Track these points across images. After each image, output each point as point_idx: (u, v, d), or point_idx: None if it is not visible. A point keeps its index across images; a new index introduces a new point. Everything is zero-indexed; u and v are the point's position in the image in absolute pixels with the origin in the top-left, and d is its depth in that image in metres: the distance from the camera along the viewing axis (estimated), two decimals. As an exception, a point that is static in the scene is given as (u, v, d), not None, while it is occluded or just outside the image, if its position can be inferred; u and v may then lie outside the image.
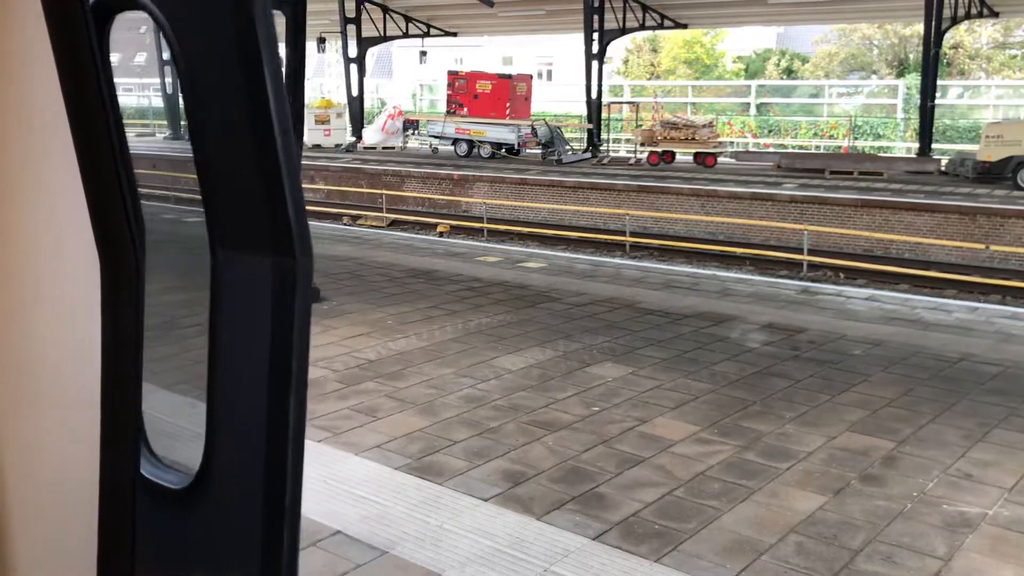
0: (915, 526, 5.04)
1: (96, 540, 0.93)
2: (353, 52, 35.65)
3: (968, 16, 28.67)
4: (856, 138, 38.19)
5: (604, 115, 33.33)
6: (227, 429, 1.05)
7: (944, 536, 4.93)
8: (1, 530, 0.85)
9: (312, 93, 45.00)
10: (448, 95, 32.92)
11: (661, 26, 34.64)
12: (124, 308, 0.91)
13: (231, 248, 1.02)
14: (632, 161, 29.70)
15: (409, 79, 54.60)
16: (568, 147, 31.51)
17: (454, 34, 40.47)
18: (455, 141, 31.91)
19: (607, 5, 30.81)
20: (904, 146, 37.40)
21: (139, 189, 1.02)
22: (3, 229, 0.82)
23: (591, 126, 32.25)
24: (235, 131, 0.99)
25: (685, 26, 36.25)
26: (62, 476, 0.90)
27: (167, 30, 0.97)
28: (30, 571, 0.88)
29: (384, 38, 37.56)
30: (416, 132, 36.14)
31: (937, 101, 28.79)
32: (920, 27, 31.37)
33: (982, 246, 17.73)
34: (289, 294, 1.01)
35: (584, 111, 33.30)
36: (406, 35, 38.40)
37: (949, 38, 35.76)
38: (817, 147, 38.38)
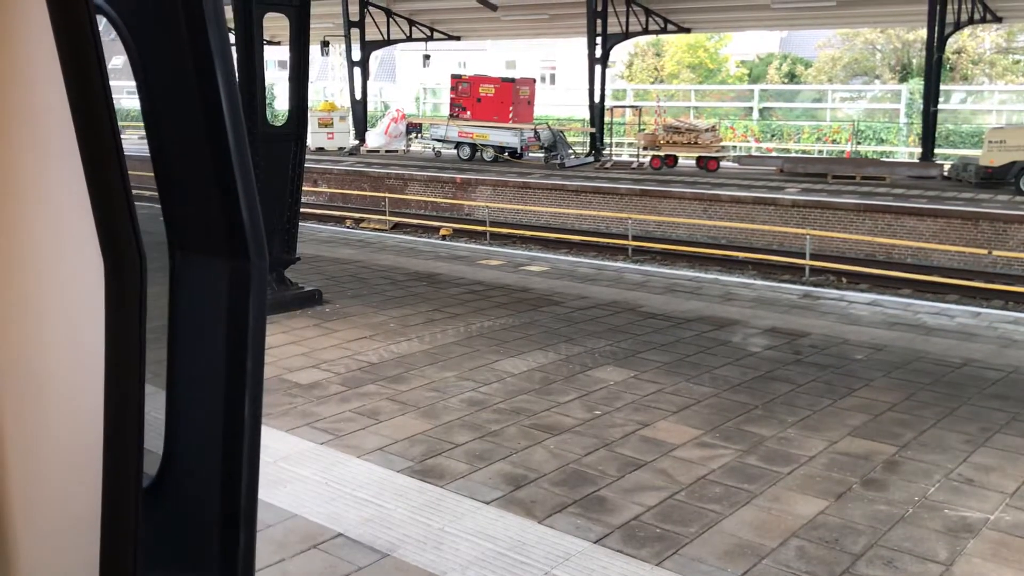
0: (917, 531, 5.04)
1: (99, 543, 0.93)
2: (357, 55, 35.69)
3: (971, 21, 28.68)
4: (859, 143, 38.18)
5: (607, 119, 33.35)
6: (185, 430, 1.06)
7: (946, 541, 4.93)
8: (3, 533, 0.86)
9: (315, 96, 45.05)
10: (451, 99, 32.95)
11: (664, 30, 34.68)
12: (128, 311, 0.92)
13: (188, 250, 1.04)
14: (635, 165, 29.70)
15: (412, 82, 54.68)
16: (571, 151, 31.52)
17: (457, 38, 40.51)
18: (458, 144, 31.93)
19: (610, 9, 30.87)
20: (907, 151, 37.40)
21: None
22: (6, 231, 0.83)
23: (594, 130, 32.28)
24: (188, 135, 1.01)
25: (688, 30, 36.30)
26: (66, 479, 0.90)
27: (122, 32, 0.98)
28: (32, 574, 0.88)
29: (388, 42, 37.61)
30: (419, 135, 36.16)
31: (940, 106, 28.81)
32: (923, 32, 31.37)
33: (985, 251, 17.72)
34: (244, 296, 1.02)
35: (587, 115, 33.32)
36: (410, 39, 38.46)
37: (952, 43, 35.76)
38: (820, 152, 38.36)
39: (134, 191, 0.93)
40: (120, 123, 0.91)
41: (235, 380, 1.03)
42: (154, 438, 1.02)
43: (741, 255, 19.54)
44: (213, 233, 1.03)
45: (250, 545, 1.08)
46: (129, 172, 0.92)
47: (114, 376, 0.91)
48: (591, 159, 31.04)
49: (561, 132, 31.91)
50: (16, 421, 0.85)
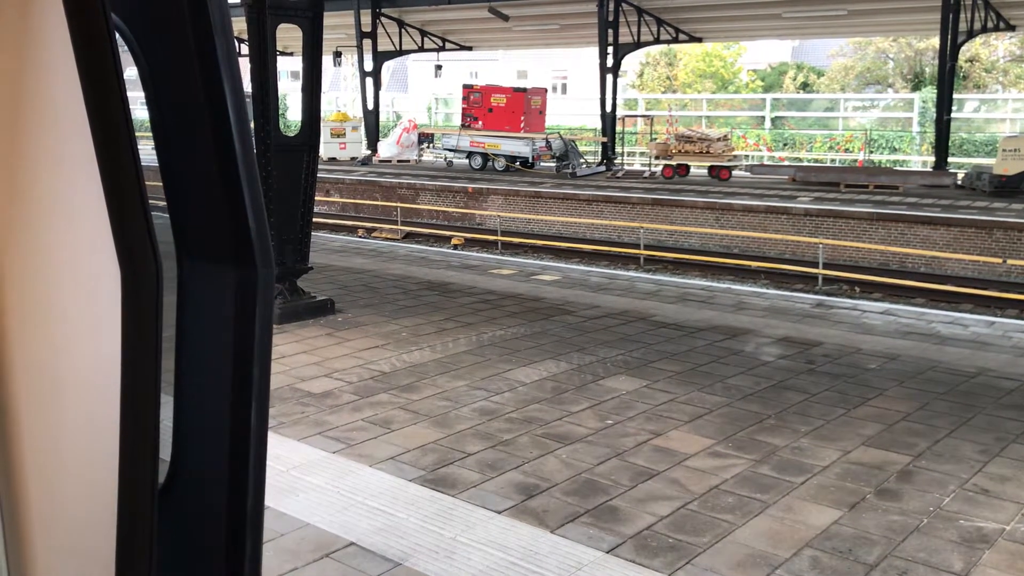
0: (931, 541, 5.01)
1: (114, 552, 0.94)
2: (369, 66, 35.83)
3: (984, 30, 28.57)
4: (871, 152, 38.08)
5: (619, 128, 33.35)
6: (192, 437, 1.07)
7: (961, 552, 4.89)
8: (21, 540, 0.87)
9: (328, 107, 45.22)
10: (463, 109, 33.04)
11: (676, 40, 34.70)
12: (143, 319, 0.92)
13: (195, 258, 1.05)
14: (646, 174, 29.69)
15: (424, 93, 54.83)
16: (582, 160, 31.54)
17: (469, 48, 40.64)
18: (470, 154, 31.99)
19: (622, 19, 30.88)
20: (920, 160, 37.26)
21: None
22: (26, 239, 0.84)
23: (605, 139, 32.29)
24: (196, 144, 1.02)
25: (700, 40, 36.30)
26: (82, 483, 0.91)
27: (131, 42, 1.00)
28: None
29: (400, 52, 37.76)
30: (431, 145, 36.27)
31: (953, 115, 28.69)
32: (936, 40, 31.28)
33: (999, 260, 17.62)
34: (251, 305, 1.03)
35: (599, 124, 33.34)
36: (421, 49, 38.60)
37: (965, 51, 35.62)
38: (832, 161, 38.29)
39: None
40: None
41: (242, 387, 1.04)
42: (162, 445, 1.03)
43: (754, 264, 19.49)
44: (220, 242, 1.04)
45: (256, 552, 1.08)
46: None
47: (130, 382, 0.92)
48: (603, 168, 31.05)
49: (573, 142, 31.92)
50: (35, 426, 0.86)
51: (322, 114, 11.78)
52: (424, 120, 47.40)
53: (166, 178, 1.05)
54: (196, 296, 1.06)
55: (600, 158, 32.67)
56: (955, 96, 29.74)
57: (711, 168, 28.10)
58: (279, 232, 10.07)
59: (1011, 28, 30.26)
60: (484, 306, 11.05)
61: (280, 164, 10.06)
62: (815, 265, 17.64)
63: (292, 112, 40.27)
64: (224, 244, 1.04)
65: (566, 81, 57.44)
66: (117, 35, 0.92)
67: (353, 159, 35.25)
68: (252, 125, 9.68)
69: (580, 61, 51.19)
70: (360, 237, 21.36)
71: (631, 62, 48.86)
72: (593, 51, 33.15)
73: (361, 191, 28.74)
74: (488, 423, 6.83)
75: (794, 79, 52.08)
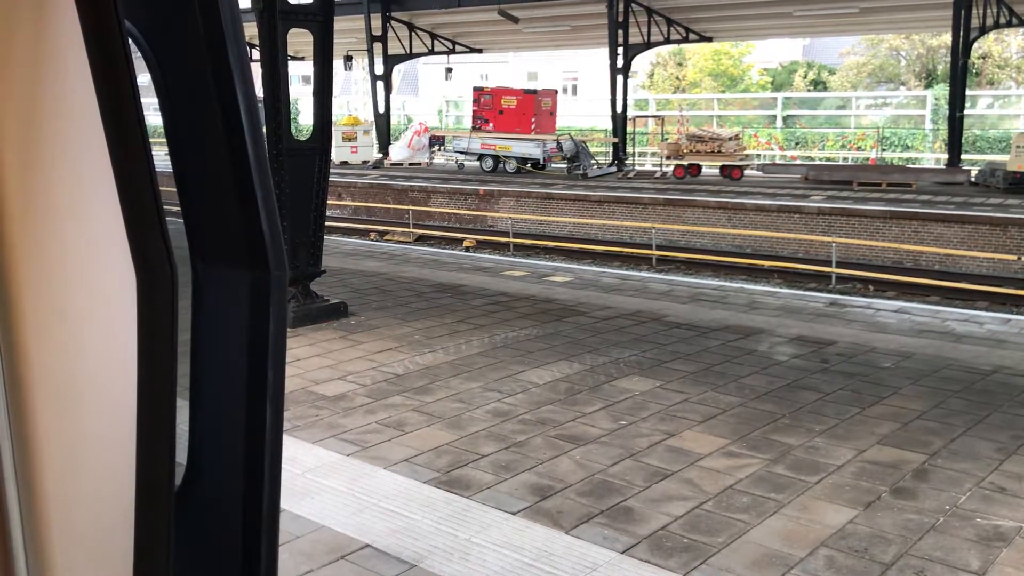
0: (948, 540, 4.98)
1: (132, 554, 0.95)
2: (380, 69, 35.92)
3: (996, 26, 28.40)
4: (884, 150, 37.90)
5: (629, 129, 33.31)
6: (207, 440, 1.08)
7: (978, 550, 4.87)
8: (40, 541, 0.87)
9: (339, 110, 45.34)
10: (474, 111, 33.06)
11: (686, 39, 34.64)
12: (159, 323, 0.93)
13: (209, 261, 1.06)
14: (658, 175, 29.65)
15: (435, 95, 54.93)
16: (594, 161, 31.51)
17: (479, 51, 40.66)
18: (481, 156, 32.02)
19: (632, 19, 30.86)
20: (933, 157, 37.06)
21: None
22: (41, 245, 0.84)
23: (616, 140, 32.26)
24: (209, 148, 1.03)
25: (710, 39, 36.22)
26: (100, 486, 0.92)
27: (144, 48, 1.01)
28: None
29: (410, 55, 37.83)
30: (442, 148, 36.29)
31: (966, 111, 28.52)
32: (948, 37, 31.11)
33: (1014, 257, 17.52)
34: (264, 307, 1.04)
35: (609, 125, 33.31)
36: (432, 52, 38.66)
37: (977, 48, 35.44)
38: (845, 159, 38.12)
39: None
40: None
41: (256, 390, 1.05)
42: (178, 447, 1.04)
43: (766, 264, 19.44)
44: (233, 245, 1.05)
45: (272, 554, 1.09)
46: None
47: (146, 386, 0.93)
48: (614, 169, 31.02)
49: (583, 143, 31.91)
50: (52, 429, 0.86)
51: (333, 118, 11.82)
52: (435, 123, 47.46)
53: (180, 183, 1.06)
54: (210, 299, 1.07)
55: (611, 159, 32.63)
56: (968, 93, 29.56)
57: (723, 168, 28.03)
58: (292, 236, 10.10)
59: (1023, 24, 30.06)
60: (496, 308, 11.05)
61: (292, 168, 10.09)
62: (828, 264, 17.58)
63: (303, 116, 40.40)
64: (237, 247, 1.04)
65: (576, 82, 57.42)
66: (130, 41, 0.93)
67: (365, 163, 35.32)
68: (264, 129, 9.70)
69: (590, 62, 51.17)
70: (372, 240, 21.41)
71: (641, 63, 48.79)
72: (603, 52, 33.13)
73: (373, 194, 28.80)
74: (502, 424, 6.84)
75: (805, 77, 51.89)
